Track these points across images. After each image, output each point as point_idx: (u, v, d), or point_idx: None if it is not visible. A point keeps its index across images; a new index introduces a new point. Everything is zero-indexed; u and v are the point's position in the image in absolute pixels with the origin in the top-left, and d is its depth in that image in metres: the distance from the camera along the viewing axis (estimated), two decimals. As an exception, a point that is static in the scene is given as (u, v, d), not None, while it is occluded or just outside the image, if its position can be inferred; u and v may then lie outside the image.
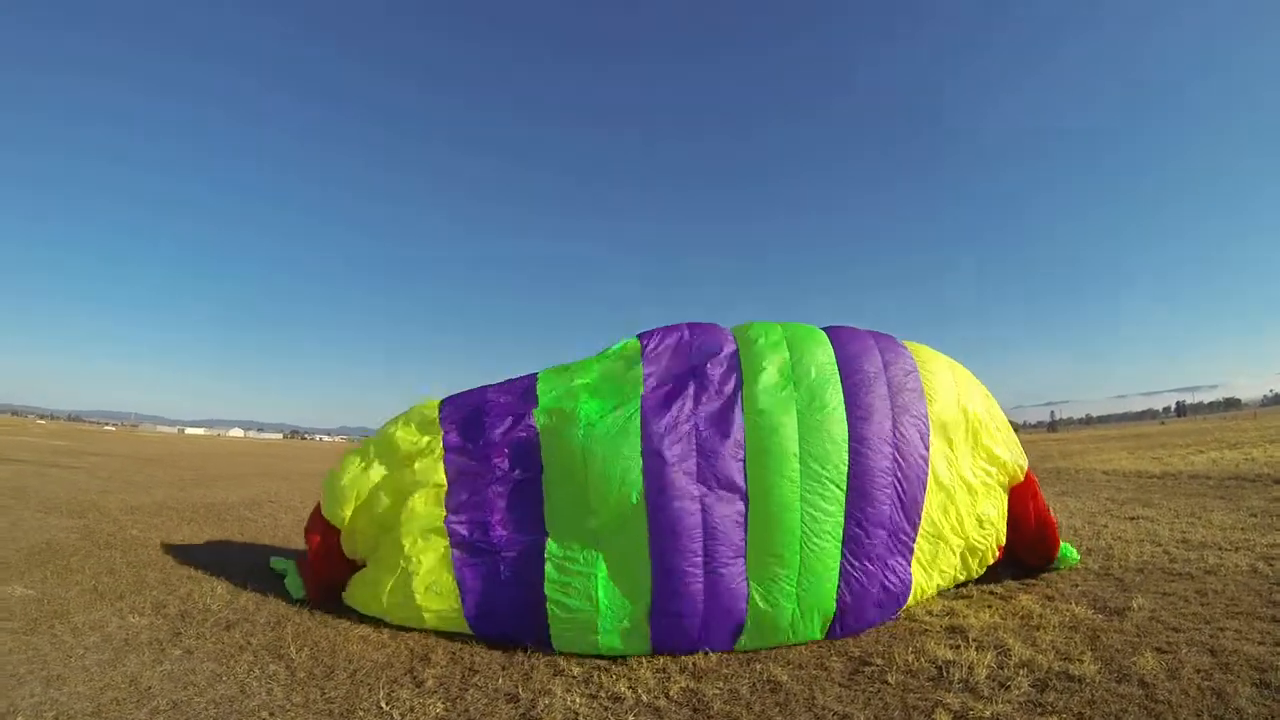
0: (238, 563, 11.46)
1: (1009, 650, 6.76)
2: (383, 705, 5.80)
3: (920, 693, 5.90)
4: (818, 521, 7.63)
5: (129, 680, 6.21)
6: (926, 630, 7.69)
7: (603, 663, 7.03)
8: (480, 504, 8.11)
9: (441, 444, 8.49)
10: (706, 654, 7.24)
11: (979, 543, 8.97)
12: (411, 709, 5.74)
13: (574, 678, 6.57)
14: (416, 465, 8.43)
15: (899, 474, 8.09)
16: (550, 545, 7.68)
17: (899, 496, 8.06)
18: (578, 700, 6.00)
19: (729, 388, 8.24)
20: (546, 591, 7.43)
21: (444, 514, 8.09)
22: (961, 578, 9.12)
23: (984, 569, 9.33)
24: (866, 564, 7.78)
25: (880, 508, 7.90)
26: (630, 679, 6.50)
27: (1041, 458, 43.89)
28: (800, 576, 7.52)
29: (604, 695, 6.12)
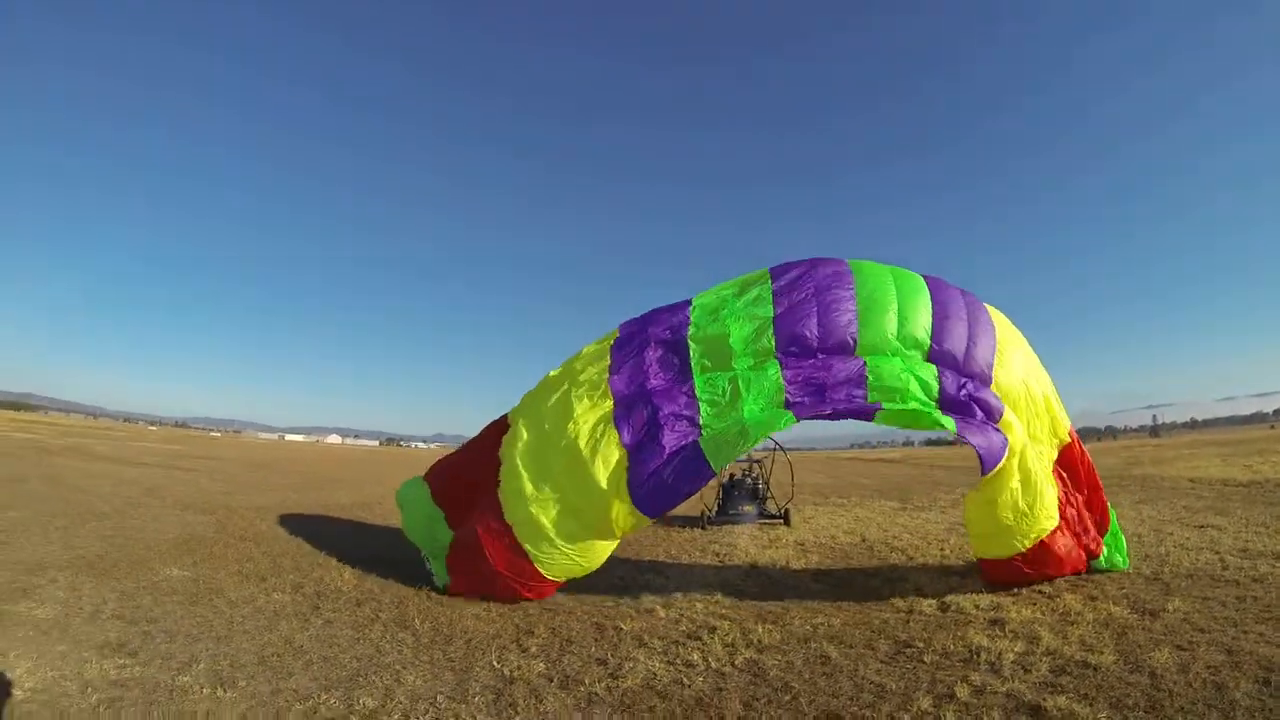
0: (359, 554, 12.99)
1: (1039, 640, 7.50)
2: (495, 664, 7.04)
3: (950, 670, 6.76)
4: (910, 364, 10.11)
5: (284, 640, 7.63)
6: (970, 621, 8.48)
7: (680, 638, 8.07)
8: (638, 365, 10.27)
9: (611, 343, 10.92)
10: (770, 631, 8.23)
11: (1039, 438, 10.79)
12: (519, 668, 6.94)
13: (654, 649, 7.63)
14: (590, 355, 10.87)
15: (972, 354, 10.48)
16: (698, 381, 9.98)
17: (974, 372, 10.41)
18: (657, 665, 7.08)
19: (846, 281, 10.63)
20: (701, 415, 9.72)
21: (607, 376, 10.28)
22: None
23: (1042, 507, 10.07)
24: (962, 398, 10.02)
25: (951, 364, 10.31)
26: (703, 651, 7.51)
27: (1131, 463, 42.92)
28: (907, 377, 9.92)
29: (679, 662, 7.16)
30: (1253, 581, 9.76)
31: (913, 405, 9.63)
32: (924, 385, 9.88)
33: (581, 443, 9.71)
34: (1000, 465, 9.40)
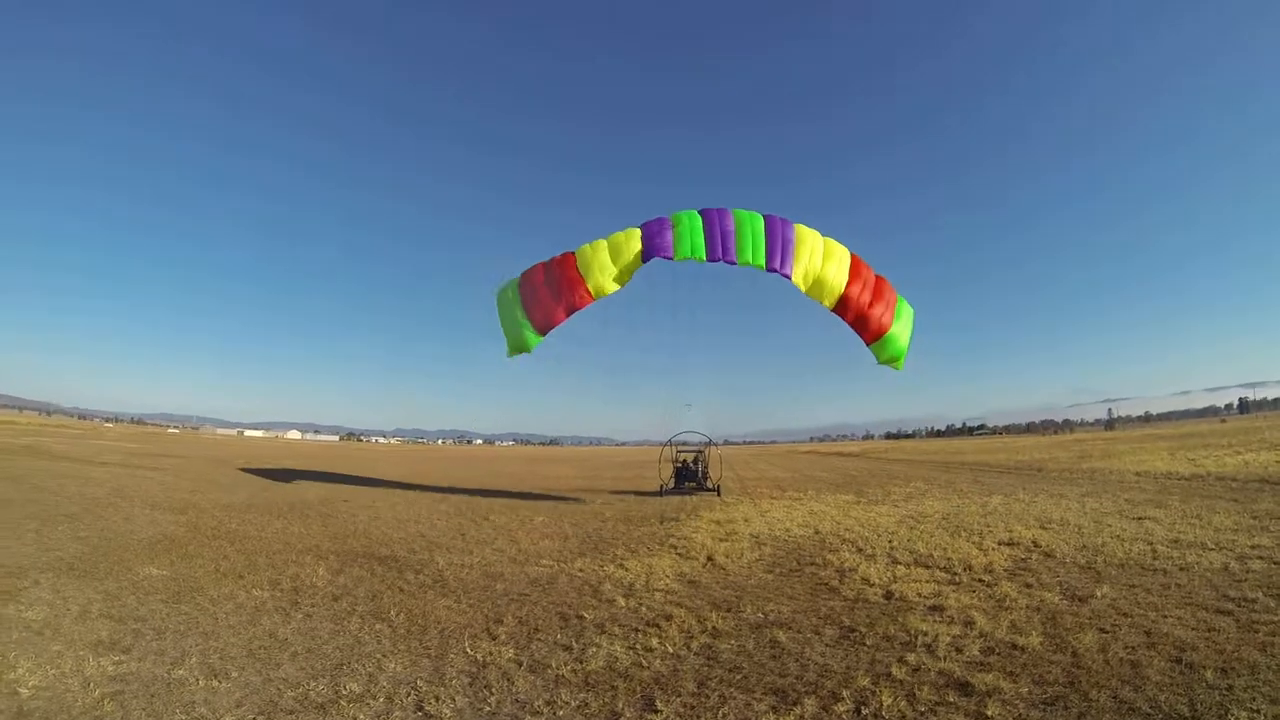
0: (330, 551, 13.45)
1: (973, 624, 8.15)
2: (468, 651, 7.49)
3: (889, 652, 7.35)
4: (759, 248, 19.74)
5: (268, 634, 8.01)
6: (912, 608, 9.07)
7: (640, 625, 8.58)
8: (653, 226, 20.14)
9: (640, 226, 20.50)
10: (724, 618, 8.83)
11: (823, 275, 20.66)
12: (490, 654, 7.41)
13: (616, 635, 8.12)
14: (628, 232, 20.38)
15: (784, 245, 20.13)
16: (676, 245, 19.56)
17: (784, 252, 19.98)
18: (618, 649, 7.58)
19: (730, 220, 20.11)
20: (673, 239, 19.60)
21: (639, 231, 20.07)
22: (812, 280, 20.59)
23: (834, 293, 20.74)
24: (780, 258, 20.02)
25: (775, 252, 19.94)
26: (660, 637, 8.02)
27: (1082, 457, 44.51)
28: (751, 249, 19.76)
29: (639, 647, 7.66)
30: (1179, 570, 10.45)
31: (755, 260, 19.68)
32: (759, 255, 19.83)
33: (624, 235, 20.04)
34: (792, 273, 19.86)
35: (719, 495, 27.33)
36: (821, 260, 20.35)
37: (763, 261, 19.42)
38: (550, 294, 20.05)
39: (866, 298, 21.02)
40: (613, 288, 19.69)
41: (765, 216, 20.38)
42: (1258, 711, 5.39)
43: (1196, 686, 6.03)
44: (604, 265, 19.43)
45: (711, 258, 19.28)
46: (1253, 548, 11.73)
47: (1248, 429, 74.59)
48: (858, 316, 21.02)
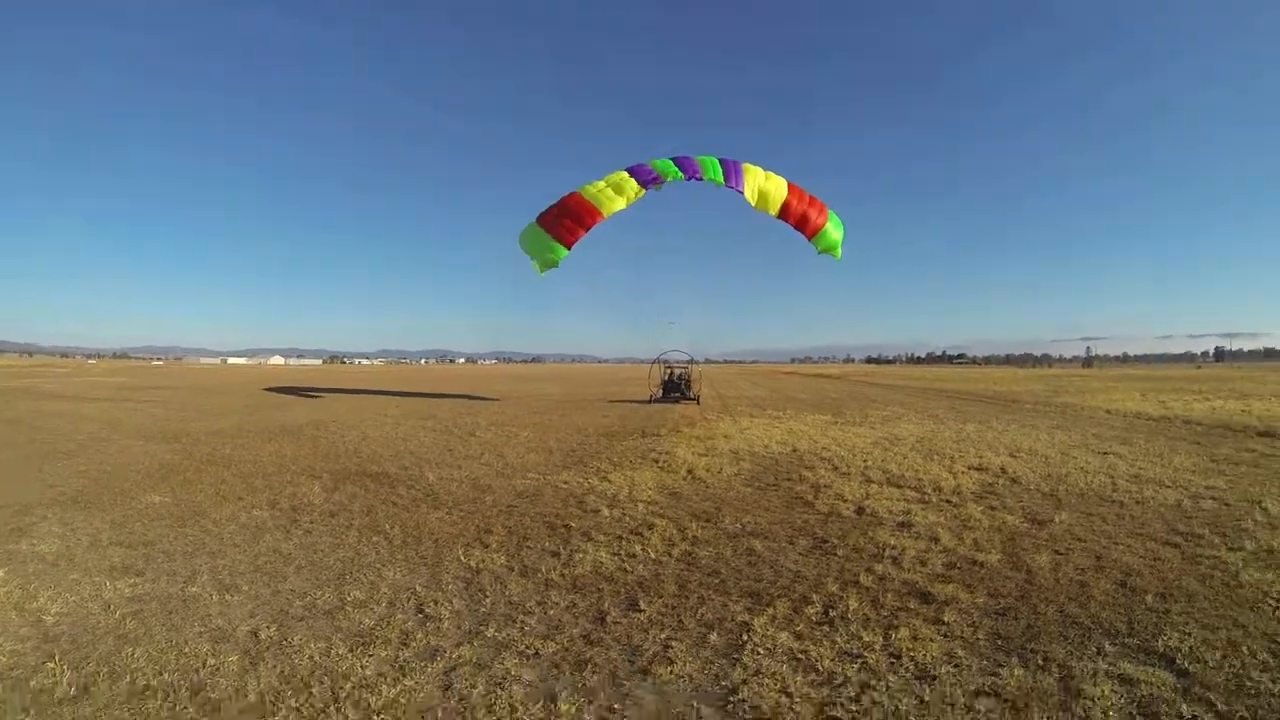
0: (323, 470, 13.90)
1: (938, 540, 8.65)
2: (462, 559, 7.93)
3: (858, 562, 7.85)
4: (717, 172, 25.83)
5: (271, 550, 8.37)
6: (882, 524, 9.58)
7: (623, 534, 9.06)
8: (636, 166, 26.49)
9: (625, 169, 26.53)
10: (704, 528, 9.39)
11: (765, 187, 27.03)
12: (483, 560, 7.86)
13: (600, 543, 8.58)
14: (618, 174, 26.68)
15: (736, 172, 26.33)
16: (654, 164, 26.42)
17: (736, 175, 26.11)
18: (604, 556, 8.04)
19: (692, 157, 26.16)
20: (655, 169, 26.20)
21: (626, 169, 26.39)
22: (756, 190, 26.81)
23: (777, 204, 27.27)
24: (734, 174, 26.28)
25: (730, 175, 26.03)
26: (643, 544, 8.51)
27: (1057, 391, 45.65)
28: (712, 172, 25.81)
29: (623, 553, 8.14)
30: (1135, 503, 10.94)
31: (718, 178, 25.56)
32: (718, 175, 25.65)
33: (619, 177, 25.90)
34: (745, 190, 25.91)
35: (698, 404, 33.85)
36: (764, 181, 26.68)
37: (721, 180, 25.40)
38: (571, 220, 26.08)
39: (802, 206, 27.36)
40: (619, 206, 25.70)
41: (720, 157, 26.65)
42: (1188, 634, 5.80)
43: (1136, 608, 6.47)
44: (609, 195, 25.64)
45: (684, 175, 25.60)
46: (1207, 488, 12.15)
47: (1221, 377, 76.21)
48: (798, 218, 27.42)
